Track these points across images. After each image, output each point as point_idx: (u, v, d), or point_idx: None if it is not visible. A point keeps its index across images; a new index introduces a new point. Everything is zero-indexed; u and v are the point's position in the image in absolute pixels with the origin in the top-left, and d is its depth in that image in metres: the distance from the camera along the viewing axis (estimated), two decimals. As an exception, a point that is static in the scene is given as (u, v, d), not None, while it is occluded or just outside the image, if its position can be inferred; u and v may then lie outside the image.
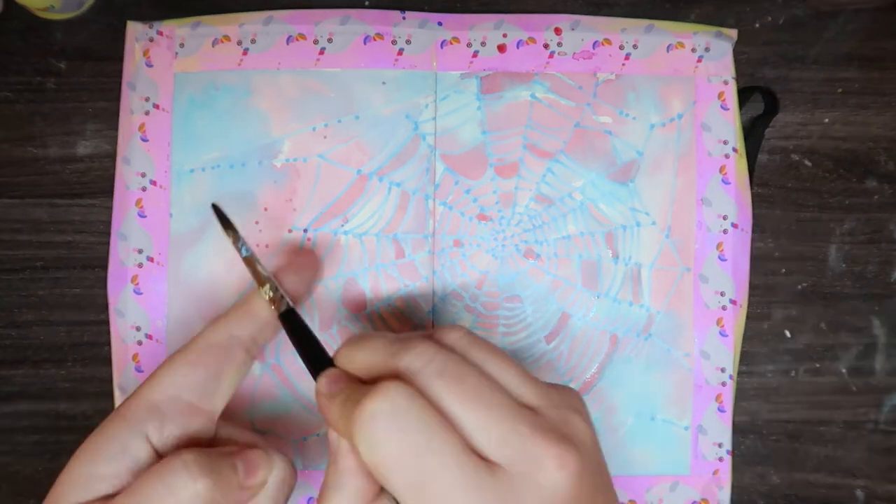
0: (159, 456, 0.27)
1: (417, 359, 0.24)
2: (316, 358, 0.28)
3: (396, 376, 0.24)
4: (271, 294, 0.31)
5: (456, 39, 0.41)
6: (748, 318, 0.41)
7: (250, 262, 0.32)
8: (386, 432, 0.22)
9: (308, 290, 0.36)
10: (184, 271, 0.40)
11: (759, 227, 0.42)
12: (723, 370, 0.40)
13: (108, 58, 0.41)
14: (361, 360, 0.26)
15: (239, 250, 0.32)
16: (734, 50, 0.41)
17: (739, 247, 0.41)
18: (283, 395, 0.40)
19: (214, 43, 0.41)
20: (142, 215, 0.40)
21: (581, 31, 0.41)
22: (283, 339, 0.40)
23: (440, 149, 0.41)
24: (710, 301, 0.40)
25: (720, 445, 0.40)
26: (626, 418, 0.40)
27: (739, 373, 0.41)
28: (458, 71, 0.41)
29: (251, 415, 0.40)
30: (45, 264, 0.41)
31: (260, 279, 0.31)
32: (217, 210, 0.33)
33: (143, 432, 0.27)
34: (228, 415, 0.30)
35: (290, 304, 0.31)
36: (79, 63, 0.41)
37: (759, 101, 0.42)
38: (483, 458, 0.22)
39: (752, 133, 0.41)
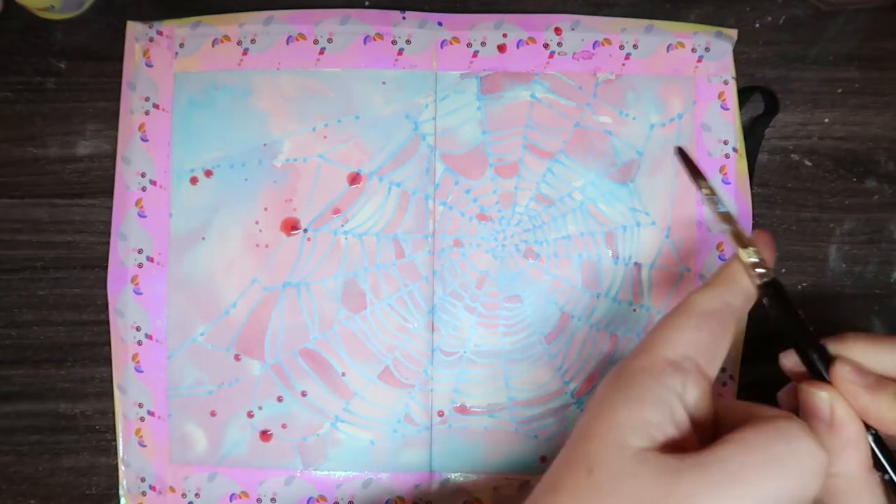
0: (689, 418, 0.26)
1: None
2: (804, 334, 0.28)
3: None
4: (754, 259, 0.28)
5: (456, 39, 0.41)
6: (748, 318, 0.41)
7: (730, 219, 0.29)
8: None
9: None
10: (184, 271, 0.40)
11: (759, 227, 0.42)
12: (723, 370, 0.40)
13: (108, 58, 0.41)
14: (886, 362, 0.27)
15: (715, 205, 0.29)
16: (734, 50, 0.41)
17: (739, 247, 0.41)
18: (284, 395, 0.40)
19: (214, 43, 0.41)
20: (142, 215, 0.40)
21: (581, 31, 0.41)
22: (285, 335, 0.40)
23: (440, 149, 0.41)
24: (710, 301, 0.40)
25: (720, 445, 0.40)
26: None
27: (739, 373, 0.41)
28: (458, 71, 0.41)
29: (251, 414, 0.40)
30: (45, 264, 0.41)
31: (742, 240, 0.29)
32: (683, 155, 0.31)
33: (672, 387, 0.26)
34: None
35: (772, 274, 0.28)
36: (79, 63, 0.41)
37: (759, 101, 0.42)
38: None
39: (752, 133, 0.41)
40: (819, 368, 0.27)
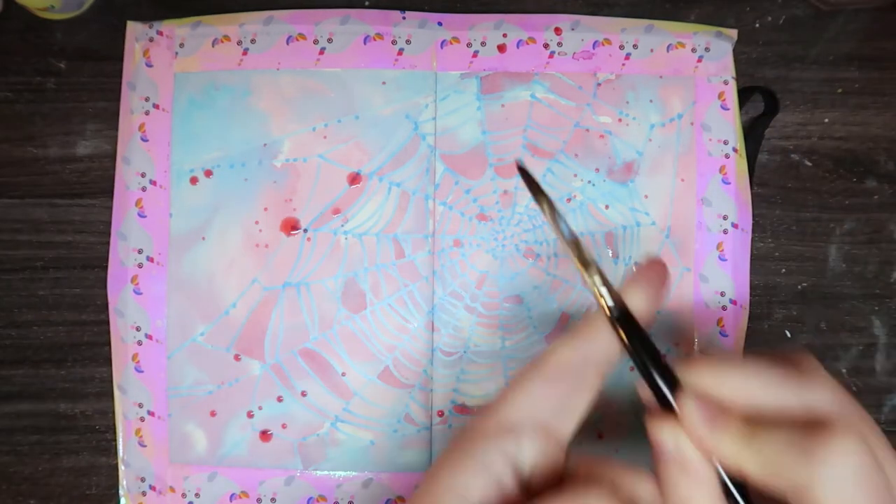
0: (519, 480, 0.26)
1: (853, 410, 0.24)
2: (656, 367, 0.26)
3: (825, 420, 0.23)
4: (598, 288, 0.26)
5: (456, 39, 0.41)
6: (748, 318, 0.41)
7: (576, 245, 0.27)
8: (863, 486, 0.22)
9: (656, 307, 0.29)
10: (184, 271, 0.40)
11: (759, 227, 0.42)
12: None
13: (108, 58, 0.41)
14: (738, 389, 0.25)
15: (558, 228, 0.26)
16: (734, 50, 0.41)
17: (739, 247, 0.41)
18: (284, 395, 0.40)
19: (214, 43, 0.41)
20: (142, 215, 0.40)
21: (581, 31, 0.41)
22: (285, 335, 0.40)
23: (440, 149, 0.41)
24: (710, 301, 0.40)
25: (720, 445, 0.40)
26: (627, 418, 0.40)
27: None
28: (458, 71, 0.41)
29: (251, 415, 0.40)
30: (45, 264, 0.41)
31: (587, 266, 0.27)
32: (524, 173, 0.28)
33: (503, 450, 0.25)
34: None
35: (619, 303, 0.26)
36: (79, 63, 0.41)
37: (759, 101, 0.42)
38: None
39: (752, 133, 0.41)
40: (668, 400, 0.25)
